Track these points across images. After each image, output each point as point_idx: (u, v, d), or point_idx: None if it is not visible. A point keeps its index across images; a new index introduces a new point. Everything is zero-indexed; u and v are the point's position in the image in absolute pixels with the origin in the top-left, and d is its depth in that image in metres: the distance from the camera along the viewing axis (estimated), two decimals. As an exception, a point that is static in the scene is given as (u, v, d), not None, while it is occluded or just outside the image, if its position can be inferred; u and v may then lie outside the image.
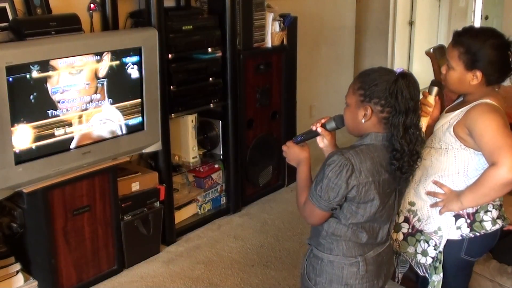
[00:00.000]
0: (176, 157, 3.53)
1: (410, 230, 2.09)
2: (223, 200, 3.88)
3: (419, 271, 2.10)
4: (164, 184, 3.29)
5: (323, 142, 1.88)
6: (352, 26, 5.64)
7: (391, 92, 1.63)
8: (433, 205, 2.00)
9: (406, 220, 2.09)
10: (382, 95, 1.65)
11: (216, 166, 3.79)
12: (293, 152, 1.87)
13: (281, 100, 4.06)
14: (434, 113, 2.14)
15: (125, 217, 3.09)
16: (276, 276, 3.12)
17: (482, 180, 1.83)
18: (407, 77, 1.64)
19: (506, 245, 2.48)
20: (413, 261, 2.10)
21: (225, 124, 3.68)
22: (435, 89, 2.05)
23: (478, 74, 1.91)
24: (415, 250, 2.08)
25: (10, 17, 2.64)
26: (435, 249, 2.03)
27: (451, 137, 1.95)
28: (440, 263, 2.03)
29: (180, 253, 3.35)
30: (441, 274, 2.03)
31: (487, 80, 1.92)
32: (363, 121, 1.69)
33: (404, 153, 1.65)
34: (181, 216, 3.62)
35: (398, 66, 6.48)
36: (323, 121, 1.88)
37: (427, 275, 2.09)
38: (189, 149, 3.52)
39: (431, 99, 2.04)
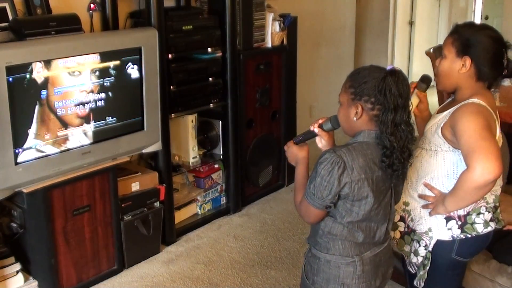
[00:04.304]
0: (176, 157, 3.53)
1: (405, 229, 2.09)
2: (223, 200, 3.88)
3: (411, 270, 2.10)
4: (164, 184, 3.29)
5: (321, 142, 1.88)
6: (352, 26, 5.64)
7: (380, 89, 1.63)
8: (424, 206, 2.01)
9: (402, 219, 2.10)
10: (372, 93, 1.65)
11: (216, 166, 3.79)
12: (291, 152, 1.89)
13: (281, 100, 4.06)
14: (424, 112, 2.14)
15: (125, 217, 3.09)
16: (276, 276, 3.12)
17: (458, 184, 1.81)
18: (396, 74, 1.64)
19: (506, 245, 2.48)
20: (407, 259, 2.11)
21: (225, 124, 3.68)
22: (423, 86, 2.08)
23: (468, 61, 1.88)
24: (410, 249, 2.08)
25: (10, 17, 2.64)
26: (425, 249, 2.03)
27: (439, 138, 1.94)
28: (428, 261, 2.03)
29: (180, 253, 3.35)
30: (427, 268, 2.04)
31: (477, 72, 1.89)
32: (354, 119, 1.70)
33: (394, 149, 1.65)
34: (181, 216, 3.62)
35: (398, 66, 6.49)
36: (320, 121, 1.88)
37: (417, 273, 2.09)
38: (189, 149, 3.52)
39: (414, 100, 2.06)
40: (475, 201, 1.87)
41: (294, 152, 1.88)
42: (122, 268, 3.14)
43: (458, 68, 1.91)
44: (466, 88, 1.93)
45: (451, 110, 1.92)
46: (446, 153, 1.94)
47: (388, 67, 1.68)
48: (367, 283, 1.77)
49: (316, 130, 1.87)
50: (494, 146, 1.73)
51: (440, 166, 1.95)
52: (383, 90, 1.63)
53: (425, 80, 2.09)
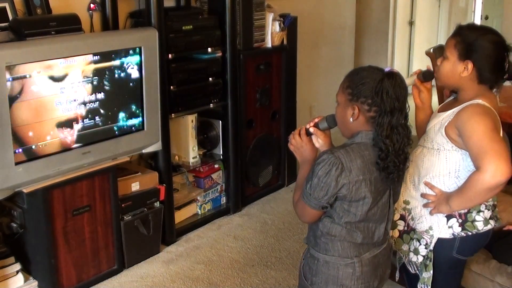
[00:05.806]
0: (176, 157, 3.53)
1: (405, 228, 2.09)
2: (223, 200, 3.88)
3: (410, 269, 2.10)
4: (164, 184, 3.29)
5: (318, 142, 1.87)
6: (352, 26, 5.64)
7: (377, 91, 1.63)
8: (425, 205, 2.01)
9: (402, 218, 2.10)
10: (369, 94, 1.65)
11: (216, 166, 3.79)
12: (305, 149, 1.84)
13: (281, 100, 4.06)
14: (425, 103, 2.13)
15: (125, 217, 3.09)
16: (276, 276, 3.12)
17: (467, 185, 1.82)
18: (393, 77, 1.64)
19: (506, 245, 2.48)
20: (406, 259, 2.11)
21: (225, 124, 3.68)
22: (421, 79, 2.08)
23: (470, 66, 1.88)
24: (409, 248, 2.08)
25: (10, 17, 2.64)
26: (426, 248, 2.03)
27: (442, 138, 1.94)
28: (430, 261, 2.03)
29: (180, 253, 3.35)
30: (431, 271, 2.04)
31: (479, 76, 1.90)
32: (351, 120, 1.70)
33: (389, 153, 1.65)
34: (181, 216, 3.62)
35: (398, 66, 6.50)
36: (316, 120, 1.87)
37: (418, 273, 2.09)
38: (189, 149, 3.52)
39: (409, 80, 2.05)
40: (482, 202, 1.90)
41: (307, 151, 1.84)
42: (122, 268, 3.14)
43: (460, 71, 1.91)
44: (469, 89, 1.93)
45: (455, 110, 1.92)
46: (448, 152, 1.94)
47: (386, 69, 1.67)
48: (366, 284, 1.77)
49: (312, 129, 1.85)
50: (504, 148, 1.75)
51: (442, 165, 1.96)
52: (380, 92, 1.62)
53: (426, 77, 2.09)
